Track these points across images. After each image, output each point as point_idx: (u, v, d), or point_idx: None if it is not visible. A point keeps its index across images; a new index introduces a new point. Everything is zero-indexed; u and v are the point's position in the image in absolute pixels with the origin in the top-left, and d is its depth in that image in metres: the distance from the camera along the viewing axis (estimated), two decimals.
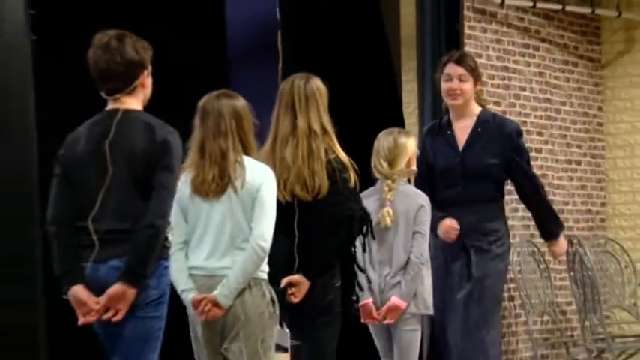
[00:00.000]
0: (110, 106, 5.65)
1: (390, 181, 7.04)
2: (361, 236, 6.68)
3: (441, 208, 7.61)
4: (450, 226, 7.45)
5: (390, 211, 6.99)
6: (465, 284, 7.52)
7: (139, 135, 5.59)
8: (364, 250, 6.87)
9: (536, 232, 9.55)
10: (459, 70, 7.49)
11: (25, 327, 7.06)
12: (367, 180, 6.89)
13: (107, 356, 5.69)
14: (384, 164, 7.05)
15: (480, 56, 8.93)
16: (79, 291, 5.47)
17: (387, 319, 7.01)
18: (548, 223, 7.76)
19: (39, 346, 7.45)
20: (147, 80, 5.72)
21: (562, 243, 7.73)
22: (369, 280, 7.03)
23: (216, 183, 6.03)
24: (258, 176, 6.04)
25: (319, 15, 8.68)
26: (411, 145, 7.12)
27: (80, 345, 6.26)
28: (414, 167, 7.23)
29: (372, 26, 8.90)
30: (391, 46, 9.03)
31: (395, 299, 6.98)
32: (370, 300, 7.03)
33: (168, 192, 5.59)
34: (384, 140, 7.10)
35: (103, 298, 5.46)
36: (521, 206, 8.10)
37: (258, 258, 5.96)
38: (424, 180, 7.65)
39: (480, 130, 7.56)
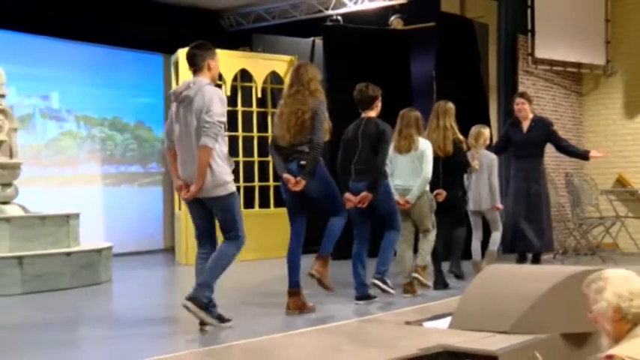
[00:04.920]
0: (362, 115, 5.66)
1: (476, 149, 6.82)
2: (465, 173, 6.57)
3: (514, 160, 7.35)
4: None
5: (477, 163, 6.75)
6: (525, 196, 7.18)
7: (372, 128, 5.54)
8: (467, 179, 6.74)
9: (555, 174, 9.17)
10: (522, 100, 7.34)
11: None
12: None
13: (360, 227, 5.65)
14: (473, 141, 6.83)
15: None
16: (346, 194, 5.51)
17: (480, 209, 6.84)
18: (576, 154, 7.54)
19: None
20: (378, 103, 5.65)
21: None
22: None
23: (406, 147, 5.89)
24: (424, 145, 5.92)
25: (452, 74, 8.46)
26: (486, 132, 6.92)
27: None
28: (488, 142, 6.95)
29: (476, 79, 8.69)
30: (485, 89, 8.79)
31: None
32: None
33: (385, 152, 5.53)
34: (473, 130, 6.92)
35: (357, 197, 5.47)
36: (549, 160, 7.67)
37: (426, 181, 5.87)
38: (500, 144, 7.38)
39: (533, 124, 7.30)
